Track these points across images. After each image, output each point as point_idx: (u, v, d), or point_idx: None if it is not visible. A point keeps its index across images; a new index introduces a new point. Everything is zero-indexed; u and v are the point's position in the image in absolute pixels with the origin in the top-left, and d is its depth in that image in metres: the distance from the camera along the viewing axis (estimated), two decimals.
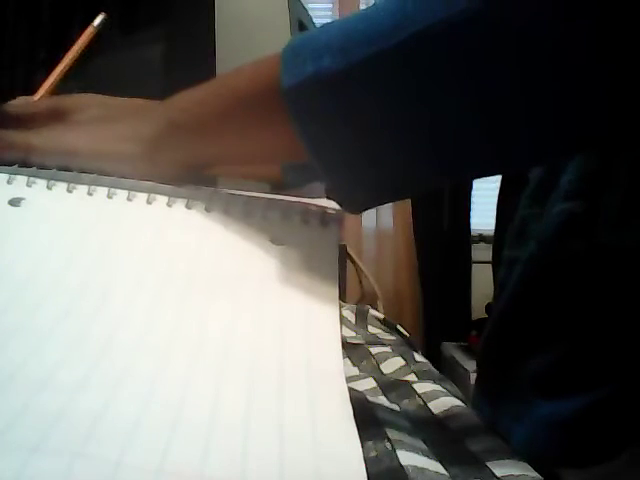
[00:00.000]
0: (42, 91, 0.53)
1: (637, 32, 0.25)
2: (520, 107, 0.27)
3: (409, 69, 0.28)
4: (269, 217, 0.36)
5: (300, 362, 0.27)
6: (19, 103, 0.49)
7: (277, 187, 0.50)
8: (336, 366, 0.27)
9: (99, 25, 0.58)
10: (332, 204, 0.37)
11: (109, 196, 0.36)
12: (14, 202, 0.34)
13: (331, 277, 0.33)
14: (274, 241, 0.34)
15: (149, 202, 0.36)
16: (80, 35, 0.58)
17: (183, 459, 0.20)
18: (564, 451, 0.35)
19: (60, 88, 0.55)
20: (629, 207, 0.35)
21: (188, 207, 0.36)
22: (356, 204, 0.34)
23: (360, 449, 0.22)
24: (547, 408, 0.36)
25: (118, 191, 0.36)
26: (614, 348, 0.34)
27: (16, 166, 0.37)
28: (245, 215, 0.36)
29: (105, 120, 0.41)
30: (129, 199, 0.36)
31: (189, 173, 0.39)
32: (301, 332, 0.29)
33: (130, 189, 0.36)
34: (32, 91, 0.55)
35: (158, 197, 0.36)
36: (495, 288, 0.45)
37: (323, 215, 0.37)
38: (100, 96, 0.46)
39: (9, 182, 0.35)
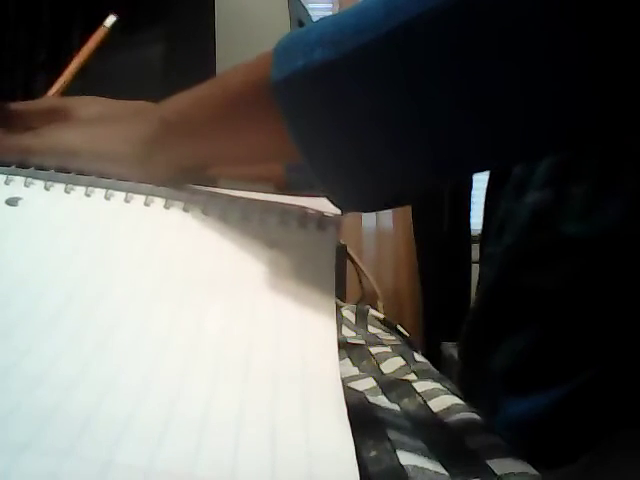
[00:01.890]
0: (53, 92, 0.53)
1: (630, 26, 0.25)
2: (513, 97, 0.27)
3: (399, 59, 0.28)
4: (266, 220, 0.36)
5: (295, 365, 0.27)
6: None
7: (280, 189, 0.50)
8: (331, 369, 0.27)
9: (111, 26, 0.58)
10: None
11: (107, 197, 0.36)
12: (11, 202, 0.34)
13: (328, 281, 0.33)
14: (271, 245, 0.34)
15: (146, 204, 0.36)
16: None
17: (174, 458, 0.20)
18: (531, 452, 0.35)
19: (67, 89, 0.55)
20: (593, 198, 0.34)
21: (185, 210, 0.36)
22: (349, 204, 0.33)
23: (353, 451, 0.22)
24: (515, 407, 0.36)
25: (116, 193, 0.36)
26: (579, 341, 0.34)
27: (14, 166, 0.37)
28: (242, 218, 0.36)
29: (102, 121, 0.41)
30: (127, 201, 0.36)
31: (185, 174, 0.39)
32: (297, 335, 0.29)
33: (128, 191, 0.36)
34: (32, 92, 0.55)
35: (156, 199, 0.36)
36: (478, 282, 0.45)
37: (320, 219, 0.37)
38: (101, 98, 0.46)
39: (7, 182, 0.36)
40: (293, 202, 0.40)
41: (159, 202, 0.36)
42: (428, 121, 0.28)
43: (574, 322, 0.35)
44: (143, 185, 0.37)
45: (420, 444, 0.26)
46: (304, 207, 0.38)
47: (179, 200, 0.36)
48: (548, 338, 0.36)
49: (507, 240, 0.40)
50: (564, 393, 0.34)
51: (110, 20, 0.59)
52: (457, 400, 0.33)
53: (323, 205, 0.37)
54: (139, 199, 0.36)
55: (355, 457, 0.22)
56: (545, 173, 0.38)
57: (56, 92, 0.54)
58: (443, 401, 0.33)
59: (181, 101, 0.37)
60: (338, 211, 0.37)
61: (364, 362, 0.44)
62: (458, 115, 0.28)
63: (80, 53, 0.57)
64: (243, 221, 0.36)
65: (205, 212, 0.36)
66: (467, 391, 0.43)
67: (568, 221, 0.35)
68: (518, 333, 0.38)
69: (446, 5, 0.26)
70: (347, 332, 0.53)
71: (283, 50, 0.31)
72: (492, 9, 0.26)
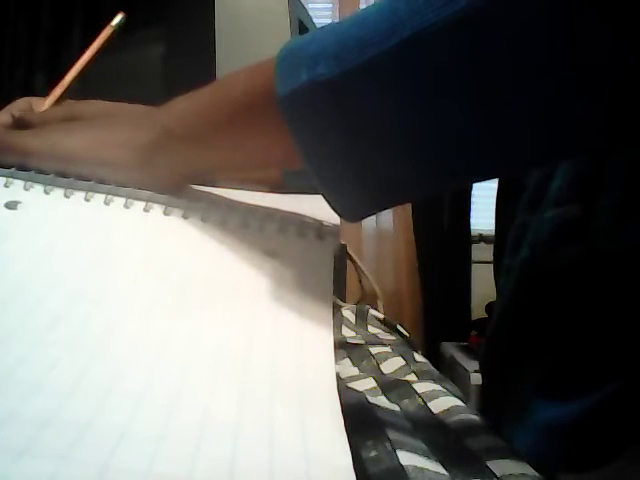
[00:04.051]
0: (57, 91, 0.53)
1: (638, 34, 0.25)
2: (520, 110, 0.27)
3: (404, 73, 0.28)
4: (266, 229, 0.36)
5: (292, 372, 0.27)
6: (24, 106, 0.49)
7: (277, 189, 0.50)
8: (328, 377, 0.27)
9: (117, 25, 0.57)
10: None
11: (106, 203, 0.36)
12: (11, 205, 0.34)
13: (325, 290, 0.33)
14: (270, 253, 0.35)
15: (146, 210, 0.36)
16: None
17: (173, 462, 0.20)
18: (565, 455, 0.35)
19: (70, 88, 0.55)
20: (624, 211, 0.34)
21: (185, 216, 0.36)
22: (352, 213, 0.33)
23: (350, 458, 0.22)
24: (548, 412, 0.36)
25: (115, 198, 0.36)
26: (612, 350, 0.34)
27: (14, 169, 0.37)
28: (241, 226, 0.36)
29: (102, 125, 0.41)
30: (126, 206, 0.36)
31: (186, 181, 0.39)
32: (294, 343, 0.29)
33: (127, 197, 0.36)
34: (32, 92, 0.55)
35: (155, 205, 0.36)
36: (497, 295, 0.45)
37: (320, 228, 0.37)
38: (108, 103, 0.46)
39: (6, 185, 0.35)
40: (291, 201, 0.40)
41: (158, 208, 0.36)
42: (433, 131, 0.29)
43: (605, 332, 0.35)
44: (143, 191, 0.37)
45: (420, 444, 0.26)
46: (303, 215, 0.38)
47: (178, 207, 0.36)
48: (578, 347, 0.36)
49: (524, 253, 0.40)
50: (599, 398, 0.34)
51: (117, 19, 0.58)
52: (457, 402, 0.33)
53: (320, 205, 0.37)
54: (138, 205, 0.36)
55: (351, 460, 0.22)
56: (565, 189, 0.38)
57: (60, 92, 0.53)
58: (443, 402, 0.33)
59: (183, 108, 0.37)
60: (337, 221, 0.37)
61: (364, 362, 0.44)
62: (465, 124, 0.28)
63: (86, 52, 0.56)
64: (242, 228, 0.36)
65: (204, 219, 0.36)
66: (489, 403, 0.43)
67: (598, 234, 0.35)
68: (547, 345, 0.37)
69: (450, 18, 0.26)
70: (347, 332, 0.53)
71: (285, 61, 0.31)
72: (497, 20, 0.26)
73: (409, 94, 0.28)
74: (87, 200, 0.36)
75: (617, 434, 0.33)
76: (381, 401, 0.32)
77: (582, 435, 0.34)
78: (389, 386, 0.37)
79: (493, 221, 0.50)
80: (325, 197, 0.33)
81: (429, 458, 0.25)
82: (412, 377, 0.41)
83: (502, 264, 0.44)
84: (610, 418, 0.34)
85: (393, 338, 0.54)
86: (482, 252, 2.12)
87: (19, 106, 0.48)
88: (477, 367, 1.77)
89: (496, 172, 0.32)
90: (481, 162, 0.30)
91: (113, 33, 0.57)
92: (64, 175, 0.37)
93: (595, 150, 0.32)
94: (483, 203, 2.15)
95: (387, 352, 0.46)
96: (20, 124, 0.43)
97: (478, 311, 2.11)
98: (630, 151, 0.34)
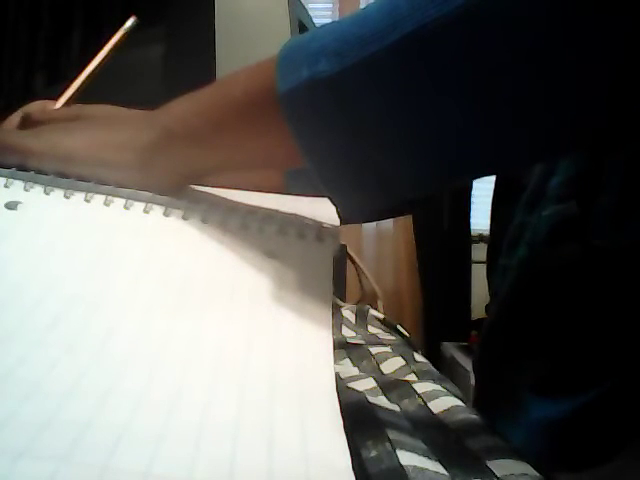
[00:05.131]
0: (68, 94, 0.53)
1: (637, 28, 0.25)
2: (519, 105, 0.27)
3: (403, 70, 0.28)
4: (265, 230, 0.36)
5: (291, 374, 0.27)
6: (37, 108, 0.49)
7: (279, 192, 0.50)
8: (327, 377, 0.27)
9: (129, 28, 0.57)
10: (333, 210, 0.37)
11: (106, 204, 0.36)
12: (11, 205, 0.34)
13: (325, 291, 0.33)
14: (269, 254, 0.35)
15: (146, 211, 0.36)
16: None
17: (172, 463, 0.20)
18: (560, 454, 0.35)
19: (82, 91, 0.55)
20: (622, 209, 0.34)
21: (185, 217, 0.36)
22: (354, 212, 0.33)
23: (349, 458, 0.22)
24: (542, 411, 0.36)
25: (115, 199, 0.36)
26: (607, 348, 0.34)
27: (14, 169, 0.37)
28: (241, 227, 0.36)
29: (103, 126, 0.41)
30: (126, 207, 0.36)
31: (186, 182, 0.39)
32: (293, 345, 0.29)
33: (127, 198, 0.36)
34: (32, 92, 0.55)
35: (155, 206, 0.36)
36: (490, 295, 0.45)
37: (320, 230, 0.37)
38: (115, 107, 0.46)
39: (6, 185, 0.35)
40: (291, 202, 0.40)
41: (158, 209, 0.36)
42: (433, 128, 0.29)
43: (600, 330, 0.35)
44: (143, 193, 0.37)
45: (420, 444, 0.26)
46: (303, 217, 0.38)
47: (178, 208, 0.36)
48: (574, 346, 0.36)
49: (522, 252, 0.40)
50: (593, 396, 0.34)
51: (129, 23, 0.58)
52: (457, 402, 0.33)
53: (320, 206, 0.37)
54: (138, 206, 0.36)
55: (350, 461, 0.22)
56: (564, 187, 0.38)
57: (71, 94, 0.53)
58: (443, 402, 0.33)
59: (183, 109, 0.37)
60: (337, 222, 0.37)
61: (364, 362, 0.44)
62: (464, 120, 0.28)
63: (98, 56, 0.56)
64: (242, 230, 0.36)
65: (204, 220, 0.36)
66: (484, 402, 0.43)
67: (596, 232, 0.35)
68: (543, 343, 0.37)
69: (452, 13, 0.26)
70: (347, 332, 0.53)
71: (286, 60, 0.31)
72: (497, 16, 0.26)
73: (408, 90, 0.28)
74: (87, 201, 0.36)
75: (611, 432, 0.33)
76: (381, 401, 0.32)
77: (576, 433, 0.34)
78: (389, 386, 0.37)
79: None
80: (327, 196, 0.33)
81: (429, 458, 0.25)
82: (412, 377, 0.41)
83: (498, 264, 0.44)
84: (604, 416, 0.34)
85: (393, 338, 0.54)
86: (482, 252, 2.11)
87: (31, 109, 0.48)
88: None
89: (496, 168, 0.32)
90: (480, 159, 0.30)
91: (124, 37, 0.57)
92: (64, 175, 0.37)
93: (594, 146, 0.32)
94: (483, 203, 2.15)
95: (387, 352, 0.46)
96: (27, 123, 0.43)
97: (478, 311, 2.11)
98: (629, 148, 0.34)
